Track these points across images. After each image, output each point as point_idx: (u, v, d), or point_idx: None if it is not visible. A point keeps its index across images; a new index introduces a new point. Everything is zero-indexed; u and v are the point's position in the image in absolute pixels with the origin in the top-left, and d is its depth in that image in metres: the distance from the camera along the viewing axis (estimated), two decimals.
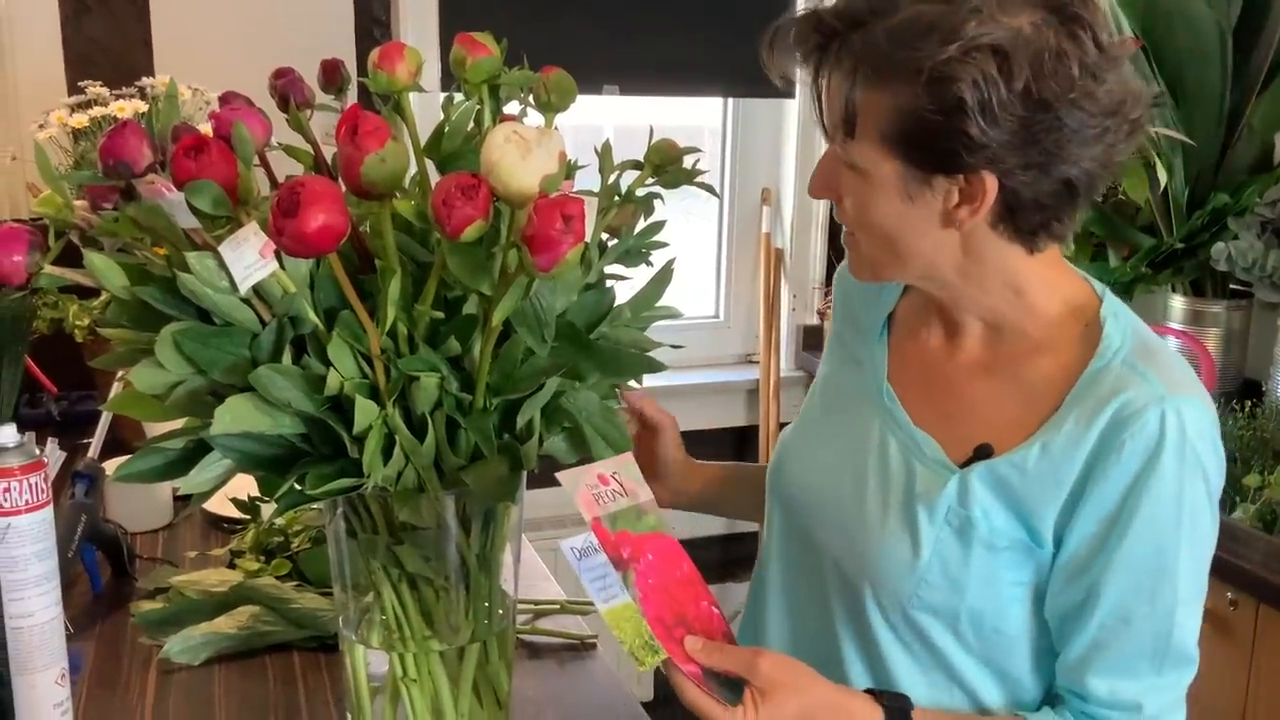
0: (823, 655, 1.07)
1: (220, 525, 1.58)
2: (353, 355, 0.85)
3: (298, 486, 0.88)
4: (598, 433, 0.91)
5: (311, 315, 0.84)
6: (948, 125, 0.86)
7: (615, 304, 0.98)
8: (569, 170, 0.81)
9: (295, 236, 0.73)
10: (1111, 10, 2.13)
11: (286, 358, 0.84)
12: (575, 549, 0.90)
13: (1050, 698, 1.03)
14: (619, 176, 1.03)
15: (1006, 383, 1.00)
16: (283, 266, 0.85)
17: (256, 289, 0.85)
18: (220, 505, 1.57)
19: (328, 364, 0.84)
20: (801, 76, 0.99)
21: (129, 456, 0.90)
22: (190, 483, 0.89)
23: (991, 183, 0.89)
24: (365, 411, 0.83)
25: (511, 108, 1.03)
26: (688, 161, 1.03)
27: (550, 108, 1.02)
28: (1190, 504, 0.92)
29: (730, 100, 2.65)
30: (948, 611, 0.99)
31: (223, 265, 0.79)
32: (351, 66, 2.31)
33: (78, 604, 1.37)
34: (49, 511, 1.02)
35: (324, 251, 0.76)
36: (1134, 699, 0.96)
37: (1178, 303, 2.21)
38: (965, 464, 0.99)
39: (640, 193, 1.01)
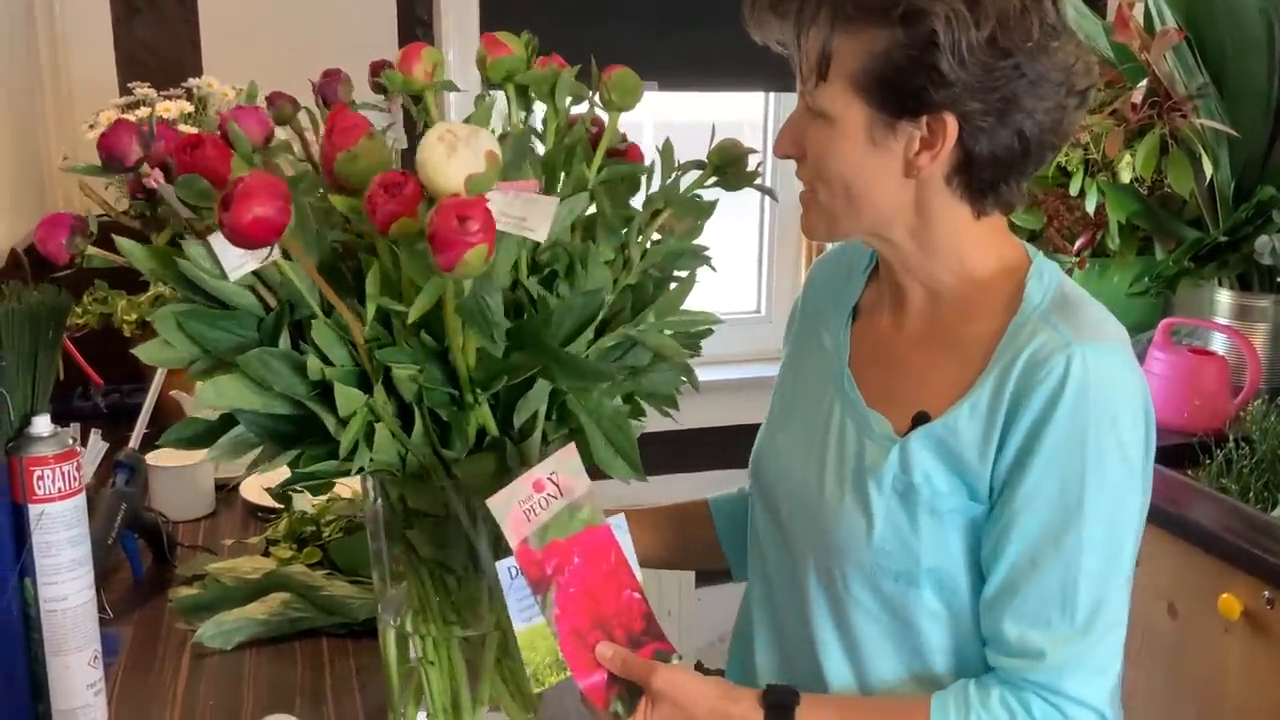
0: (802, 640, 1.11)
1: (258, 514, 1.62)
2: (344, 342, 0.87)
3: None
4: (606, 438, 0.92)
5: (312, 303, 0.87)
6: (919, 60, 0.92)
7: (626, 307, 1.00)
8: (501, 171, 0.82)
9: (231, 228, 0.76)
10: (1155, 2, 2.11)
11: (284, 341, 0.87)
12: (509, 569, 0.92)
13: None
14: (679, 177, 1.04)
15: (943, 349, 1.04)
16: (287, 255, 0.89)
17: (260, 275, 0.89)
18: (258, 495, 1.61)
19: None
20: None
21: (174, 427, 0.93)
22: (216, 450, 0.92)
23: (952, 125, 0.94)
24: (348, 398, 0.86)
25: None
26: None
27: (613, 106, 1.03)
28: (1095, 450, 0.94)
29: (772, 95, 2.64)
30: (908, 576, 1.02)
31: (213, 255, 0.82)
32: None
33: (119, 589, 1.42)
34: (81, 499, 1.06)
35: (263, 242, 0.78)
36: (1038, 646, 0.97)
37: (1224, 297, 2.18)
38: (906, 433, 1.02)
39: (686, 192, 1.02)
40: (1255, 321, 2.15)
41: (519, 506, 0.90)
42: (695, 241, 1.07)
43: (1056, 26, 0.95)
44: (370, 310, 0.83)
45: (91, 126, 1.84)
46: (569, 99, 1.04)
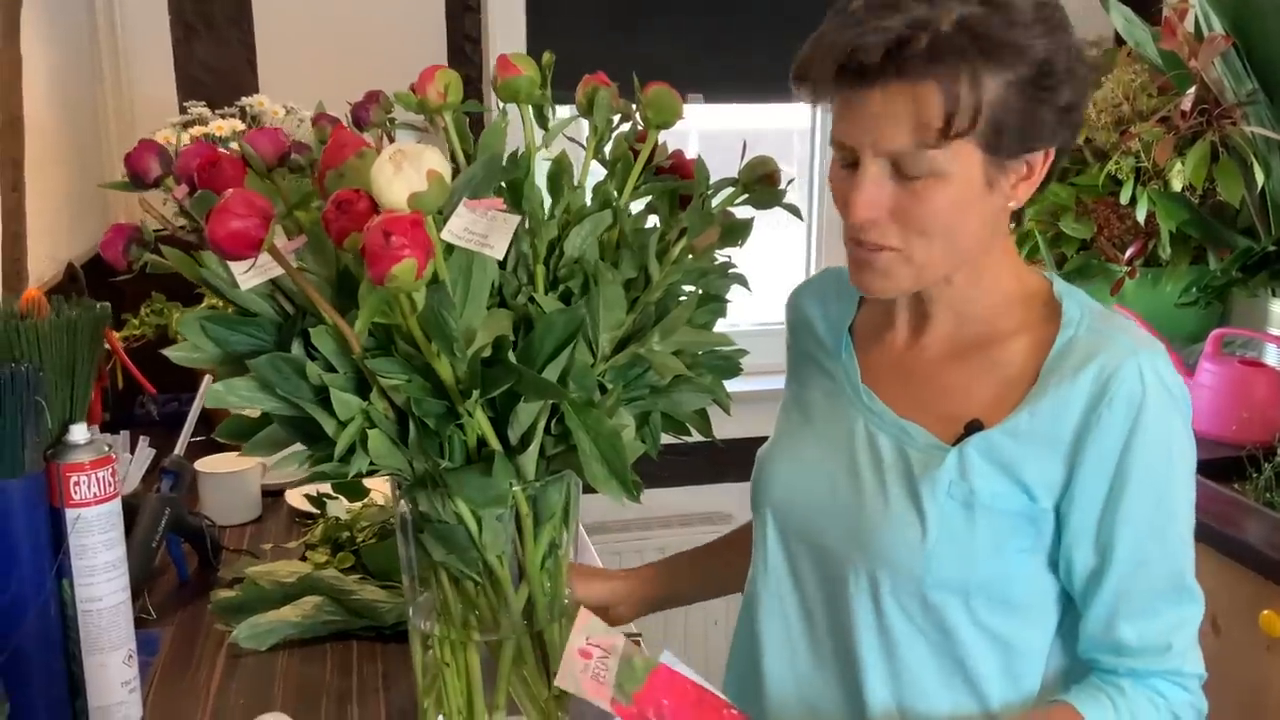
0: (840, 664, 1.11)
1: (298, 520, 1.67)
2: (347, 350, 0.91)
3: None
4: (601, 456, 0.94)
5: (323, 312, 0.91)
6: (1048, 99, 0.95)
7: (648, 325, 1.02)
8: (475, 190, 0.84)
9: (211, 240, 0.81)
10: (1202, 9, 2.08)
11: (297, 347, 0.91)
12: None
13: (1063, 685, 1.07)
14: (711, 195, 1.06)
15: (981, 366, 1.06)
16: (304, 268, 0.93)
17: (277, 284, 0.93)
18: (301, 501, 1.66)
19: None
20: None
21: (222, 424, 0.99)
22: (250, 447, 0.97)
23: (1051, 154, 0.99)
24: (343, 404, 0.89)
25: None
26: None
27: (651, 124, 1.06)
28: (1178, 444, 1.01)
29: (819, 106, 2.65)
30: (959, 586, 1.03)
31: (224, 265, 0.86)
32: None
33: (164, 591, 1.47)
34: (117, 504, 1.11)
35: (241, 255, 0.82)
36: (1161, 639, 1.02)
37: (1278, 308, 2.14)
38: (957, 441, 1.04)
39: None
40: None
41: (585, 677, 0.95)
42: (728, 259, 1.09)
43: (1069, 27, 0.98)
44: (362, 322, 0.85)
45: None
46: (612, 116, 1.07)
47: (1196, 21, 2.15)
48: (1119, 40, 2.37)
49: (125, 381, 1.87)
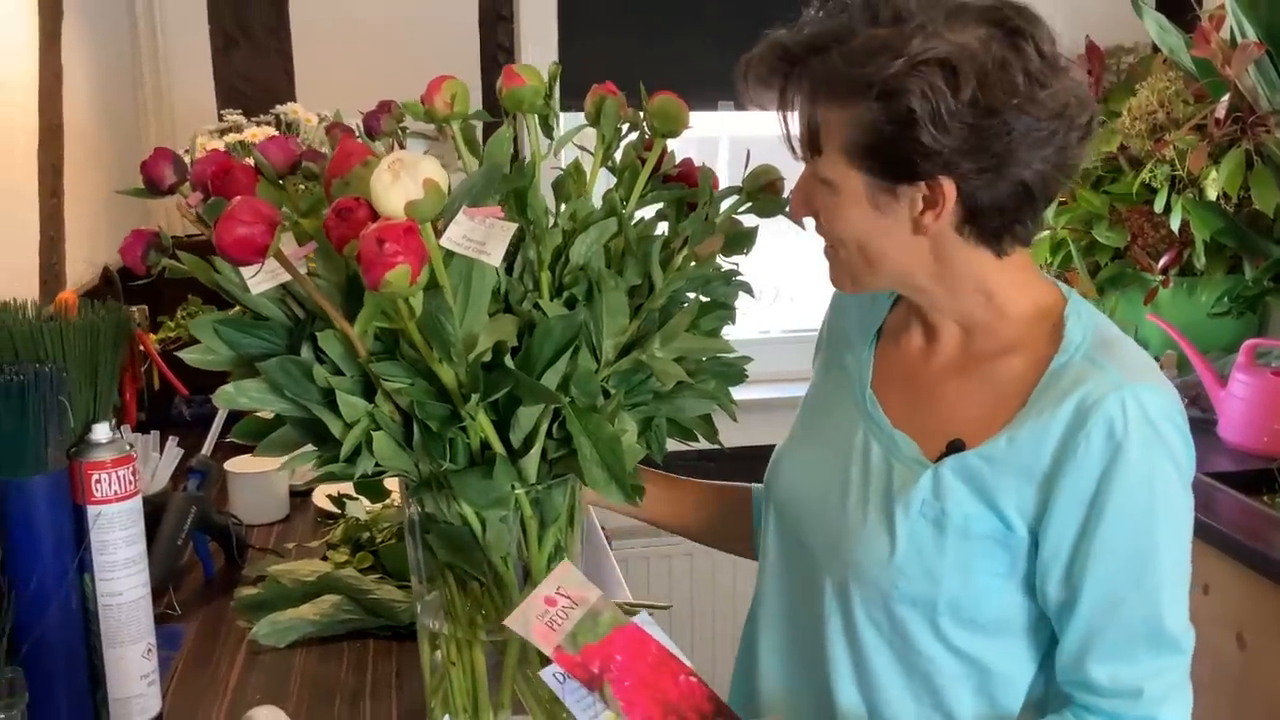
0: (814, 662, 1.12)
1: (321, 520, 1.70)
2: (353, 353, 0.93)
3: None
4: (601, 460, 0.96)
5: (332, 317, 0.93)
6: (901, 135, 0.93)
7: (652, 332, 1.03)
8: (474, 199, 0.86)
9: (218, 246, 0.84)
10: (1234, 15, 2.06)
11: (306, 351, 0.93)
12: (557, 675, 0.94)
13: (1045, 710, 1.04)
14: (714, 203, 1.08)
15: (978, 381, 1.05)
16: (314, 274, 0.96)
17: (288, 289, 0.96)
18: (326, 501, 1.69)
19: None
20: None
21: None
22: (263, 447, 1.00)
23: (949, 188, 0.96)
24: (350, 407, 0.91)
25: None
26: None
27: (657, 133, 1.07)
28: (1162, 485, 0.97)
29: None
30: (926, 603, 1.02)
31: (236, 270, 0.89)
32: (477, 90, 2.44)
33: (190, 588, 1.50)
34: (137, 501, 1.14)
35: (248, 261, 0.85)
36: (1134, 684, 0.98)
37: None
38: (939, 459, 1.03)
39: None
40: None
41: (539, 621, 0.94)
42: (735, 266, 1.10)
43: (1043, 72, 0.94)
44: (359, 326, 0.88)
45: (186, 152, 1.96)
46: (620, 125, 1.08)
47: (1231, 29, 2.13)
48: (1155, 48, 2.35)
49: (160, 382, 1.91)
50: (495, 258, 0.88)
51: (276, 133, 1.95)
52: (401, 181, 0.83)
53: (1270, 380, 1.97)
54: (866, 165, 0.97)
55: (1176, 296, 2.29)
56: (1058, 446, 0.97)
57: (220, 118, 2.07)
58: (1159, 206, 2.22)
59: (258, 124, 2.00)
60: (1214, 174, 2.10)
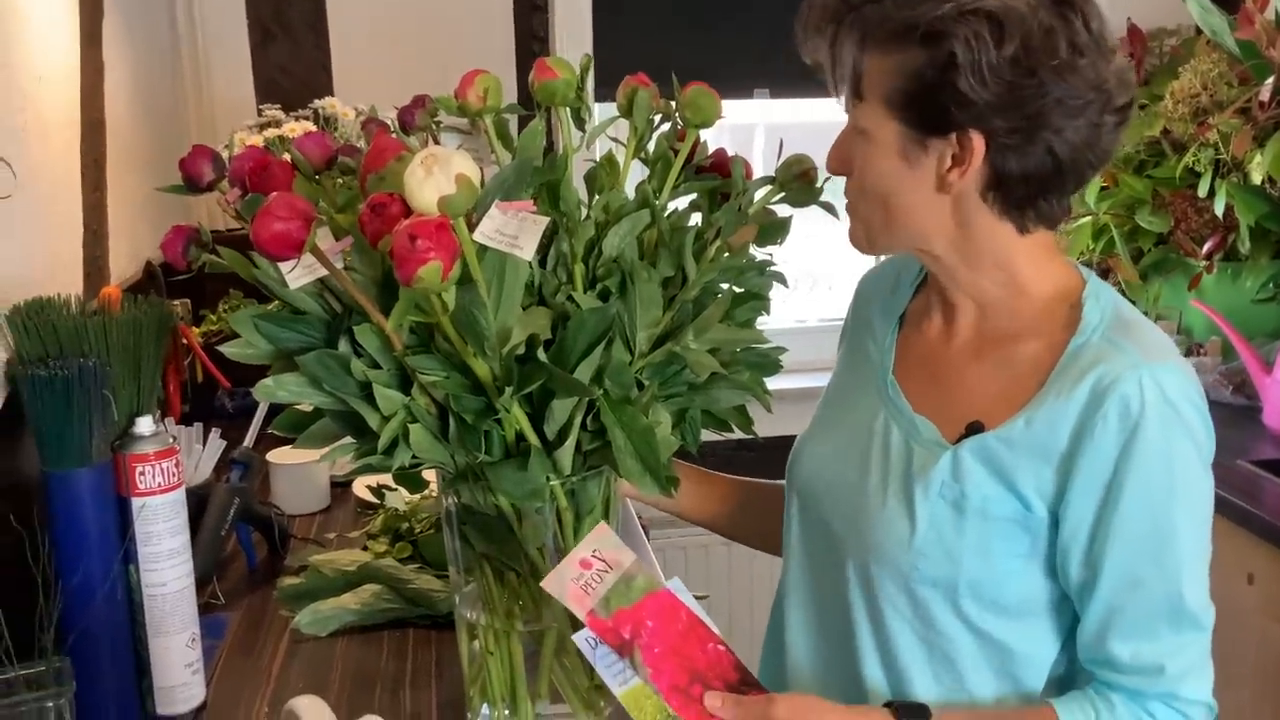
0: (841, 643, 1.12)
1: (362, 510, 1.71)
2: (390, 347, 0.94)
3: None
4: (635, 452, 0.96)
5: (369, 311, 0.94)
6: (940, 81, 0.94)
7: (686, 323, 1.03)
8: (505, 192, 0.87)
9: (256, 242, 0.84)
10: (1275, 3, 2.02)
11: (344, 345, 0.94)
12: (589, 640, 0.95)
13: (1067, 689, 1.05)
14: (749, 193, 1.08)
15: (996, 364, 1.05)
16: (350, 268, 0.97)
17: (325, 284, 0.97)
18: (366, 492, 1.71)
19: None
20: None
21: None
22: (304, 439, 1.01)
23: (979, 143, 0.96)
24: (387, 400, 0.93)
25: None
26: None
27: (690, 124, 1.08)
28: (1181, 464, 0.97)
29: None
30: (947, 584, 1.03)
31: (274, 265, 0.90)
32: (512, 81, 2.43)
33: (234, 577, 1.53)
34: (181, 493, 1.16)
35: (284, 256, 0.86)
36: (1155, 661, 0.99)
37: None
38: (957, 441, 1.04)
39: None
40: None
41: (574, 584, 0.95)
42: (769, 256, 1.10)
43: (1087, 45, 0.95)
44: (394, 320, 0.88)
45: (226, 146, 1.98)
46: (652, 116, 1.08)
47: (1276, 9, 2.09)
48: (1198, 30, 2.32)
49: (204, 375, 1.94)
50: (528, 252, 0.88)
51: (314, 127, 1.96)
52: (434, 177, 0.83)
53: None
54: (903, 115, 0.98)
55: (1220, 282, 2.26)
56: (1075, 427, 0.97)
57: (259, 112, 2.09)
58: (1203, 191, 2.18)
59: (296, 119, 2.01)
60: (1259, 157, 2.07)
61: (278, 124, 1.97)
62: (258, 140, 1.93)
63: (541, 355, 0.94)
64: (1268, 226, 2.15)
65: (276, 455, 1.73)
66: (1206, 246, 2.23)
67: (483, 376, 0.95)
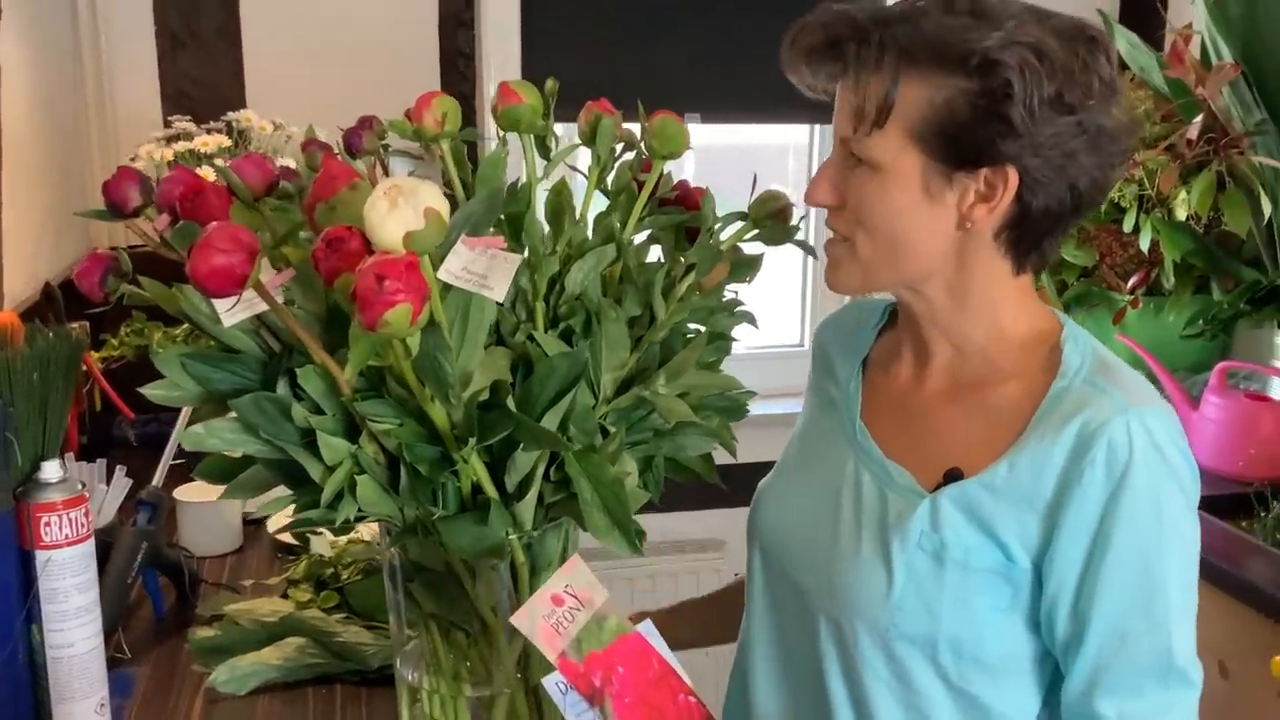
0: (813, 702, 1.07)
1: (281, 553, 1.61)
2: (335, 391, 0.86)
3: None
4: (603, 505, 0.89)
5: (322, 353, 0.86)
6: (991, 110, 0.90)
7: (652, 366, 0.97)
8: (472, 227, 0.80)
9: (192, 277, 0.76)
10: (1211, 37, 2.05)
11: (282, 388, 0.86)
12: (559, 685, 0.90)
13: None
14: (720, 229, 1.02)
15: (973, 408, 1.01)
16: (291, 302, 0.88)
17: (263, 320, 0.88)
18: (284, 533, 1.60)
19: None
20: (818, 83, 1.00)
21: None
22: (233, 489, 0.92)
23: (1014, 179, 0.92)
24: (331, 449, 0.85)
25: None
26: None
27: (657, 155, 1.01)
28: (1170, 511, 0.93)
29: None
30: (926, 640, 0.98)
31: (206, 299, 0.81)
32: None
33: (139, 628, 1.41)
34: (90, 545, 1.06)
35: (225, 293, 0.77)
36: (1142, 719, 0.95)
37: None
38: (936, 489, 0.99)
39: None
40: None
41: (545, 622, 0.89)
42: (735, 294, 1.05)
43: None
44: (351, 368, 0.80)
45: (133, 160, 1.86)
46: (615, 145, 1.02)
47: (1203, 48, 2.12)
48: (1124, 65, 2.34)
49: (102, 402, 1.81)
50: (499, 292, 0.81)
51: (229, 141, 1.85)
52: (399, 210, 0.76)
53: (1245, 403, 1.96)
54: (931, 145, 0.93)
55: (1143, 316, 2.28)
56: (1061, 474, 0.93)
57: (167, 124, 1.97)
58: (1128, 226, 2.20)
59: (208, 131, 1.90)
60: (1183, 194, 2.09)
61: (189, 137, 1.86)
62: (167, 154, 1.81)
63: (510, 404, 0.87)
64: (1192, 262, 2.17)
65: (184, 492, 1.62)
66: (1131, 281, 2.25)
67: (440, 424, 0.87)
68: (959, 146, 0.92)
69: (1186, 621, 0.96)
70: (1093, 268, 2.32)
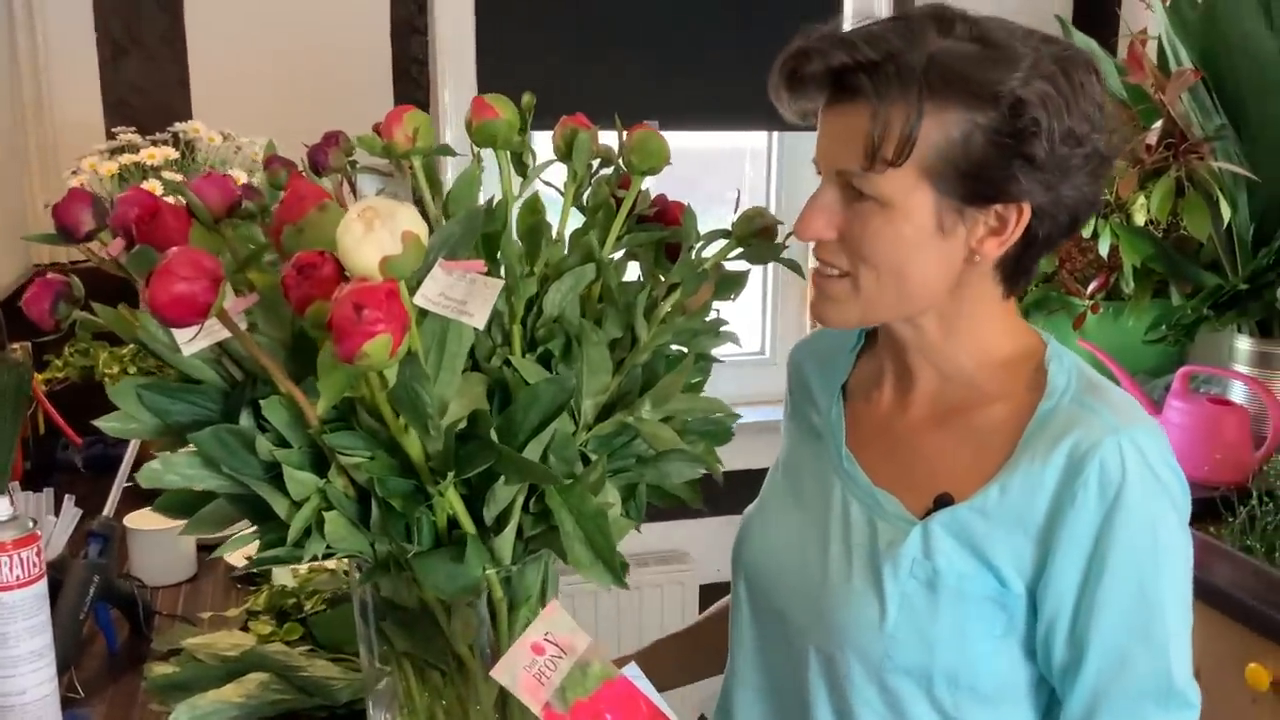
0: None
1: (239, 583, 1.55)
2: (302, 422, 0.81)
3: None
4: (585, 539, 0.85)
5: (277, 380, 0.81)
6: (1015, 149, 0.88)
7: (634, 390, 0.93)
8: (450, 250, 0.76)
9: (151, 306, 0.71)
10: (1170, 42, 2.05)
11: (246, 419, 0.81)
12: None
13: None
14: (702, 248, 0.98)
15: (960, 433, 0.99)
16: (254, 329, 0.83)
17: (224, 347, 0.84)
18: (241, 560, 1.54)
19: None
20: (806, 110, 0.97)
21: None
22: (194, 524, 0.87)
23: (1027, 212, 0.90)
24: (298, 483, 0.81)
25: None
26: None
27: (636, 170, 0.97)
28: (1164, 531, 0.92)
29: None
30: (921, 672, 0.96)
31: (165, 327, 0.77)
32: (388, 106, 2.29)
33: (92, 664, 1.35)
34: (42, 586, 1.00)
35: (186, 322, 0.72)
36: None
37: (1244, 344, 2.11)
38: (926, 515, 0.97)
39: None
40: (1275, 369, 2.07)
41: (526, 673, 0.86)
42: (718, 314, 1.01)
43: (1105, 107, 0.92)
44: (324, 403, 0.76)
45: (74, 172, 1.79)
46: (592, 161, 0.98)
47: (1160, 52, 2.12)
48: None
49: (46, 426, 1.74)
50: (479, 319, 0.77)
51: (176, 153, 1.79)
52: (375, 233, 0.71)
53: (1208, 407, 1.96)
54: (946, 181, 0.90)
55: (1103, 321, 2.28)
56: (1053, 496, 0.92)
57: (110, 135, 1.90)
58: (1087, 231, 2.20)
59: (154, 143, 1.83)
60: (1142, 200, 2.09)
61: (134, 149, 1.79)
62: (111, 167, 1.75)
63: (493, 435, 0.83)
64: (1152, 267, 2.17)
65: (135, 519, 1.55)
66: (1091, 286, 2.25)
67: (415, 456, 0.83)
68: (976, 183, 0.89)
69: (1184, 642, 0.95)
70: (1052, 273, 2.32)
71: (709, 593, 2.60)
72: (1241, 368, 2.10)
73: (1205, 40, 2.02)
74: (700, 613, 2.58)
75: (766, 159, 2.63)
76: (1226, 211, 1.99)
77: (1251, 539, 1.75)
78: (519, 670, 0.86)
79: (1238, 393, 2.09)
